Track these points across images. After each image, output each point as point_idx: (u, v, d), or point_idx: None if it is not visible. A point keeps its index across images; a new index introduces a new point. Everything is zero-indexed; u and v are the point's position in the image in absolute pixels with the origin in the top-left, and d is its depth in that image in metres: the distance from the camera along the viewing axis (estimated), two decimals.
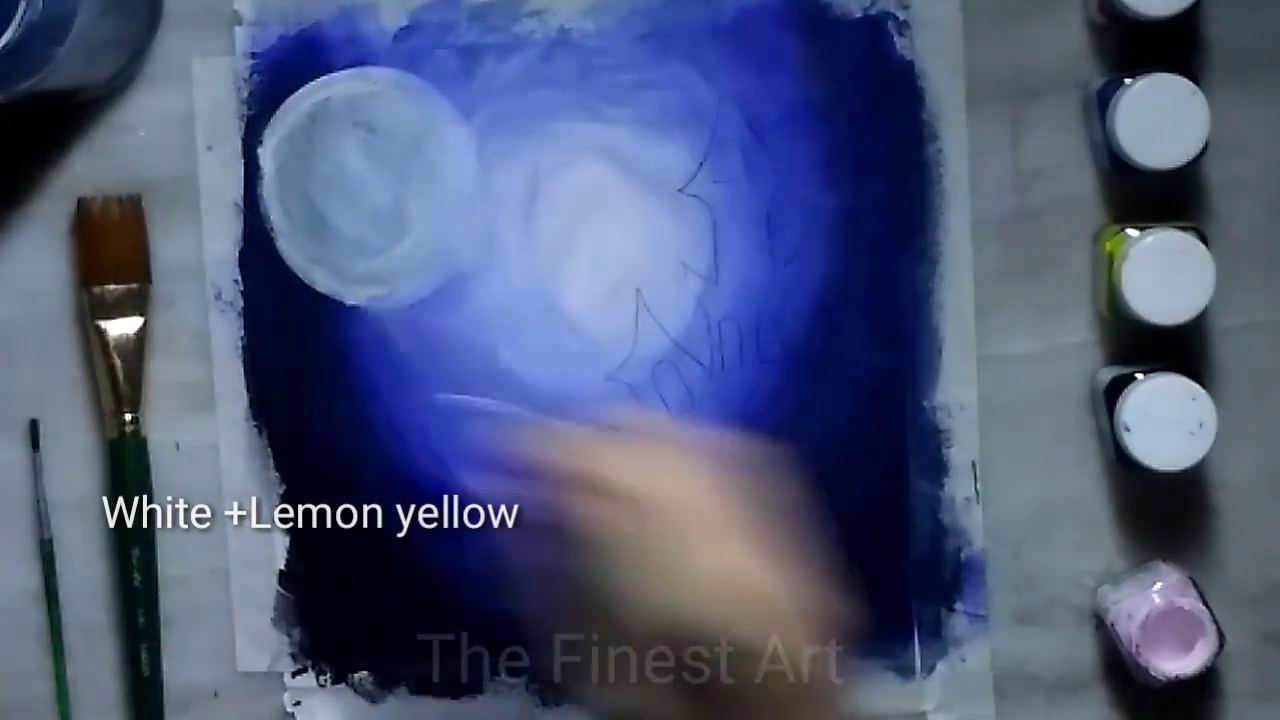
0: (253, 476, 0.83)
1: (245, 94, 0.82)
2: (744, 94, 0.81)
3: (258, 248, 0.82)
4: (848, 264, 0.82)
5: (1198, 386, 0.77)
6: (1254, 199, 0.81)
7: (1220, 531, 0.82)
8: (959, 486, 0.82)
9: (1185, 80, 0.77)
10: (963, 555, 0.82)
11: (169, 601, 0.83)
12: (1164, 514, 0.82)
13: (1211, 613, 0.78)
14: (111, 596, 0.83)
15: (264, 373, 0.83)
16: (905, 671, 0.82)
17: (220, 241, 0.82)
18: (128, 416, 0.82)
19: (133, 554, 0.82)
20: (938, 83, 0.81)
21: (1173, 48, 0.80)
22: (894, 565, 0.82)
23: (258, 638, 0.83)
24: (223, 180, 0.82)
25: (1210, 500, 0.82)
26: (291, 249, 0.82)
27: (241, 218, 0.82)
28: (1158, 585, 0.79)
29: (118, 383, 0.82)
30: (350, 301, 0.82)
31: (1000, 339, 0.82)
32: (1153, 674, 0.78)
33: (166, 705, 0.83)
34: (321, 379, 0.82)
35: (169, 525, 0.83)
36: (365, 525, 0.82)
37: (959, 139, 0.81)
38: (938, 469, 0.82)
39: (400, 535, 0.82)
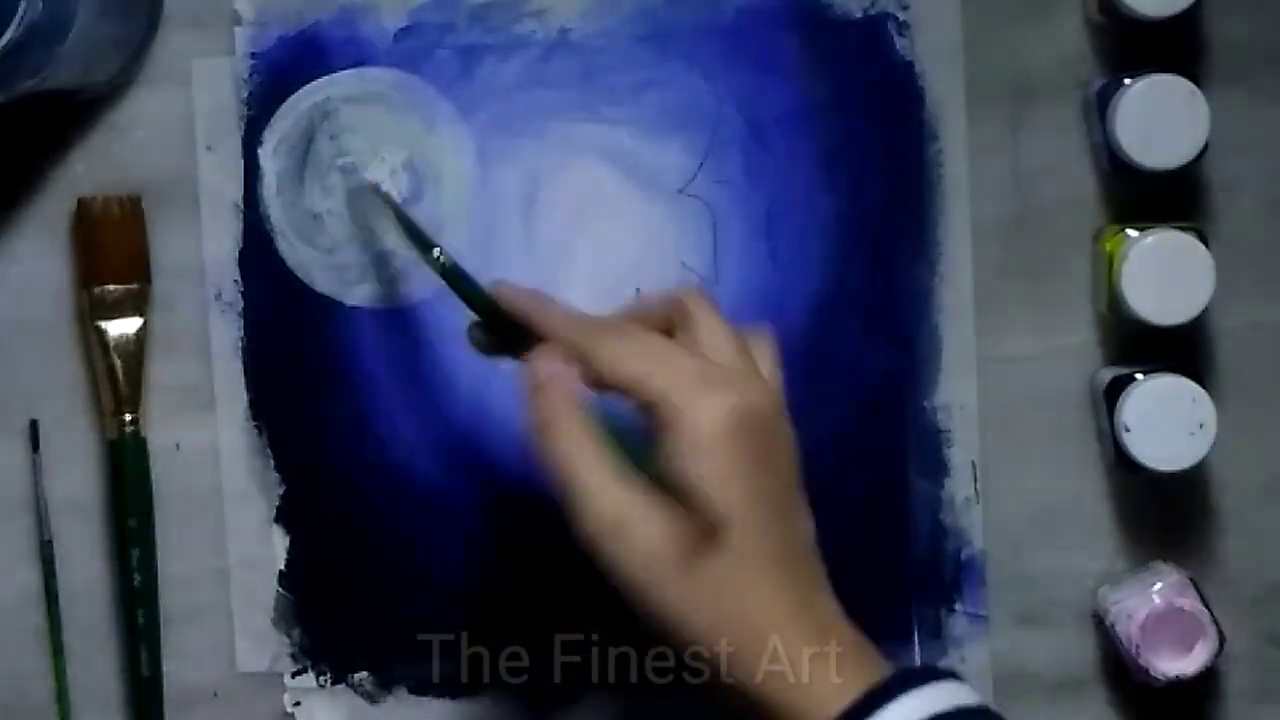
0: (253, 476, 0.83)
1: (245, 94, 0.82)
2: (744, 94, 0.81)
3: (258, 248, 0.82)
4: (848, 264, 0.82)
5: (1198, 387, 0.77)
6: (1254, 199, 0.82)
7: (1220, 531, 0.82)
8: (959, 486, 0.82)
9: (1185, 80, 0.77)
10: (963, 555, 0.82)
11: (169, 601, 0.83)
12: (1164, 514, 0.82)
13: (1211, 613, 0.79)
14: (111, 596, 0.83)
15: (264, 373, 0.83)
16: None
17: (220, 241, 0.83)
18: (128, 416, 0.82)
19: (133, 554, 0.82)
20: (938, 83, 0.81)
21: (1173, 48, 0.80)
22: (894, 565, 0.82)
23: (258, 638, 0.83)
24: (223, 180, 0.82)
25: (1210, 500, 0.82)
26: (291, 249, 0.82)
27: (241, 218, 0.82)
28: (1158, 585, 0.79)
29: (118, 383, 0.82)
30: (350, 302, 0.82)
31: (1000, 339, 0.82)
32: (1153, 674, 0.78)
33: (166, 705, 0.83)
34: (321, 379, 0.82)
35: (169, 525, 0.83)
36: (365, 526, 0.83)
37: (959, 139, 0.81)
38: (938, 469, 0.82)
39: (400, 535, 0.82)
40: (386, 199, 0.80)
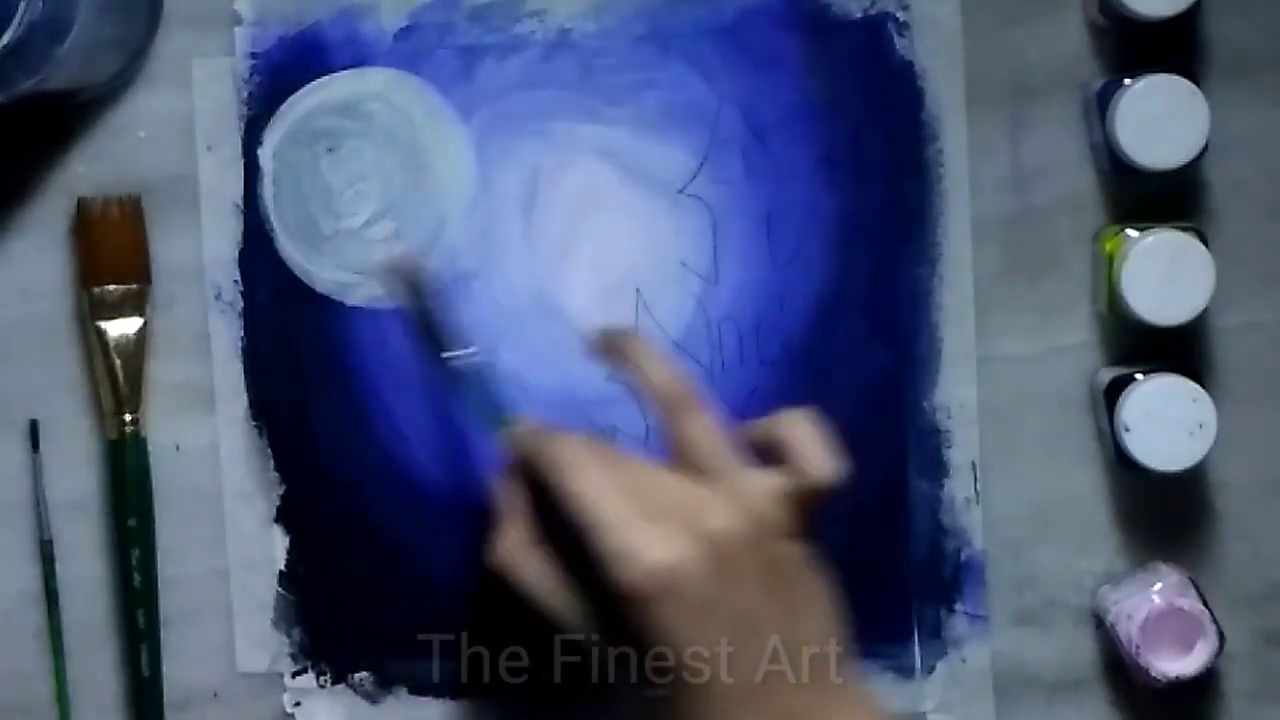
0: (253, 476, 0.83)
1: (245, 94, 0.82)
2: (744, 94, 0.81)
3: (258, 248, 0.82)
4: (848, 264, 0.82)
5: (1198, 387, 0.77)
6: (1254, 199, 0.82)
7: (1220, 531, 0.82)
8: (959, 486, 0.82)
9: (1185, 80, 0.77)
10: (963, 555, 0.82)
11: (169, 601, 0.83)
12: (1164, 514, 0.82)
13: (1211, 613, 0.79)
14: (111, 596, 0.83)
15: (264, 373, 0.83)
16: (905, 671, 0.82)
17: (220, 241, 0.83)
18: (128, 416, 0.82)
19: (133, 554, 0.82)
20: (938, 83, 0.81)
21: (1173, 48, 0.80)
22: (894, 565, 0.82)
23: (258, 638, 0.83)
24: (223, 180, 0.82)
25: (1210, 500, 0.82)
26: (291, 249, 0.82)
27: (241, 218, 0.82)
28: (1158, 586, 0.79)
29: (118, 383, 0.82)
30: (350, 302, 0.82)
31: (1000, 339, 0.82)
32: (1153, 674, 0.78)
33: (166, 705, 0.83)
34: (321, 379, 0.82)
35: (169, 525, 0.83)
36: (365, 525, 0.83)
37: (959, 139, 0.81)
38: (938, 469, 0.82)
39: (400, 535, 0.82)
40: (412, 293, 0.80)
